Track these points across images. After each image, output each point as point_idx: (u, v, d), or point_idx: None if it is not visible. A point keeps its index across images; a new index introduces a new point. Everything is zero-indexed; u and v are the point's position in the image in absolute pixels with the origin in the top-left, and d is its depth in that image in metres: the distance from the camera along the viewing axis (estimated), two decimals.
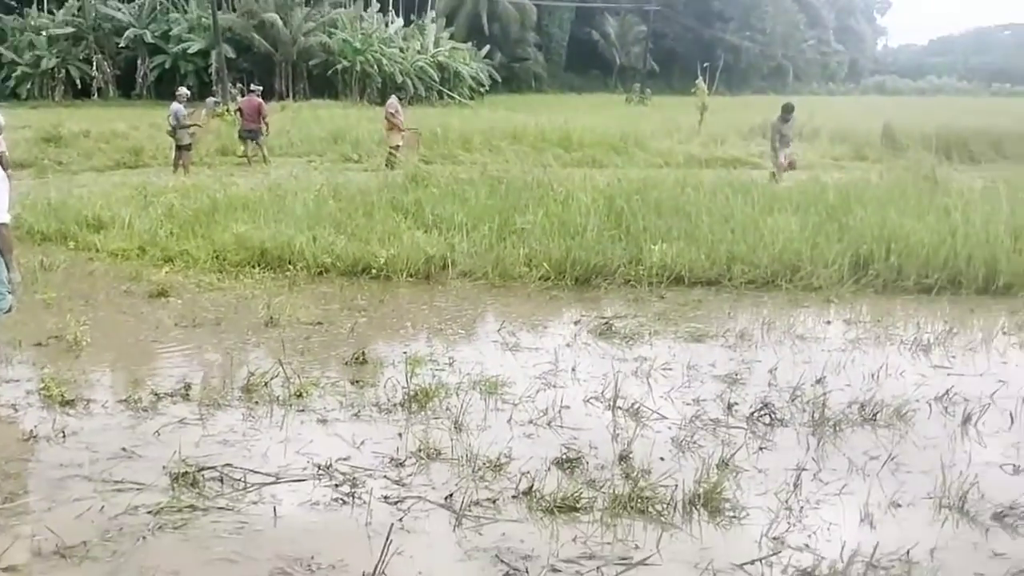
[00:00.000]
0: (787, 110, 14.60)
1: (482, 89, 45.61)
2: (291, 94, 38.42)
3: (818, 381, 5.43)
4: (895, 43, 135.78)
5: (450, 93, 41.31)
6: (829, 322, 6.98)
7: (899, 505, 3.92)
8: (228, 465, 4.15)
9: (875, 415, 4.89)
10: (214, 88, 32.62)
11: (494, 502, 3.86)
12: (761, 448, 4.52)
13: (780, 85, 68.54)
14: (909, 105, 39.59)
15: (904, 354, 6.16)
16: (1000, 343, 6.52)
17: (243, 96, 20.88)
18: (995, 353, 6.26)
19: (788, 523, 3.73)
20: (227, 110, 22.74)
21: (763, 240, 8.27)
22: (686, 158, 17.70)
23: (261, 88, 19.01)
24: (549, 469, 4.17)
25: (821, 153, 19.73)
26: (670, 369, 5.72)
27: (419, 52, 42.34)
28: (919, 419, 4.90)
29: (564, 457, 4.29)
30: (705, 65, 33.03)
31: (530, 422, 4.78)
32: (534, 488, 3.92)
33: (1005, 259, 7.93)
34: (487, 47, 50.25)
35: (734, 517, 3.79)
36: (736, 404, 5.07)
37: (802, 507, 3.87)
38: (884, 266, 7.94)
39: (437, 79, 41.72)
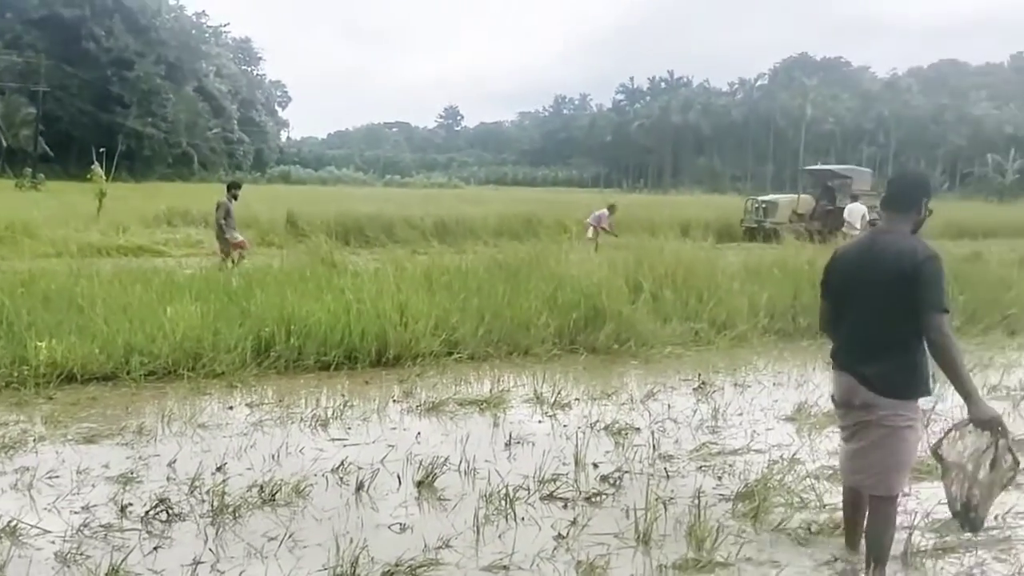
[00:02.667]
0: (237, 186, 14.75)
1: None
2: None
3: (219, 469, 5.33)
4: (297, 135, 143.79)
5: None
6: (232, 407, 6.96)
7: None
8: None
9: (274, 495, 4.93)
10: None
11: None
12: (157, 548, 4.27)
13: (187, 172, 68.55)
14: (312, 193, 42.08)
15: (304, 431, 6.34)
16: (391, 411, 7.03)
17: None
18: (387, 420, 6.73)
19: None
20: None
21: (163, 329, 8.00)
22: (83, 247, 16.65)
23: None
24: None
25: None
26: (57, 476, 5.19)
27: None
28: (317, 493, 5.06)
29: None
30: (102, 150, 31.67)
31: None
32: None
33: (393, 332, 8.63)
34: None
35: None
36: (131, 504, 4.76)
37: None
38: (285, 347, 8.17)
39: None
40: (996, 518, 4.78)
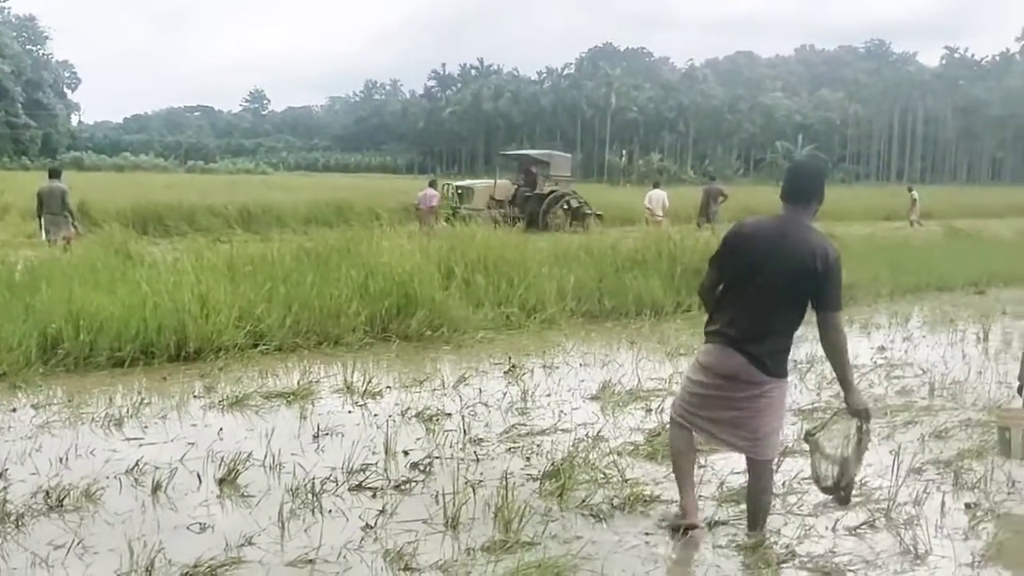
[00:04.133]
0: (56, 174, 14.47)
1: None
2: None
3: (0, 475, 4.96)
4: (90, 119, 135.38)
5: None
6: (15, 409, 6.46)
7: None
8: None
9: (62, 500, 4.62)
10: None
11: None
12: None
13: None
14: (107, 180, 39.76)
15: (96, 432, 5.98)
16: (192, 407, 6.73)
17: None
18: (187, 417, 6.44)
19: None
20: None
21: None
22: None
23: None
24: None
25: (13, 232, 18.74)
26: None
27: None
28: (109, 496, 4.78)
29: None
30: None
31: None
32: None
33: (193, 325, 8.26)
34: None
35: None
36: None
37: None
38: (75, 344, 7.67)
39: None
40: (784, 484, 5.09)
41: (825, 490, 4.39)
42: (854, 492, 4.96)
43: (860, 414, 4.15)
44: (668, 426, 4.69)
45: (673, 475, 4.60)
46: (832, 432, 4.28)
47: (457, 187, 26.50)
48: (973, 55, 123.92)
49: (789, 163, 77.05)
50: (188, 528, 4.43)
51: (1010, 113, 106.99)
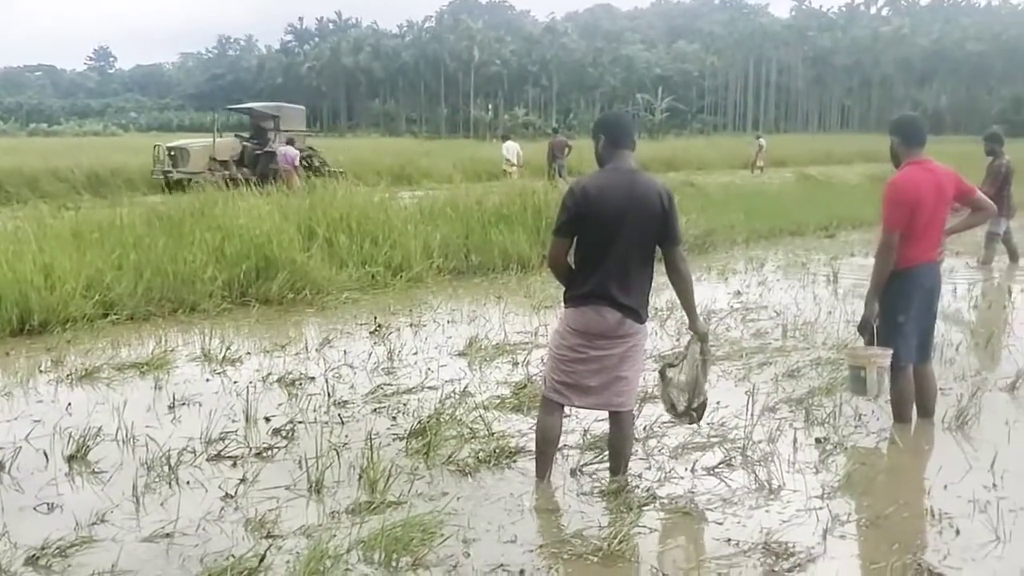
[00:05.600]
0: None
1: None
2: None
3: None
4: None
5: None
6: None
7: None
8: None
9: None
10: None
11: None
12: None
13: None
14: None
15: None
16: (38, 382, 6.40)
17: None
18: (32, 393, 6.12)
19: None
20: None
21: None
22: None
23: None
24: None
25: None
26: None
27: None
28: None
29: None
30: None
31: None
32: None
33: (37, 297, 7.82)
34: None
35: None
36: None
37: None
38: None
39: None
40: (645, 428, 5.20)
41: (679, 415, 4.60)
42: (714, 435, 5.16)
43: (704, 336, 4.47)
44: (538, 411, 4.66)
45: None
46: (683, 365, 4.49)
47: (169, 148, 23.35)
48: (821, 6, 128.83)
49: (651, 116, 77.54)
50: (35, 509, 4.21)
51: (855, 62, 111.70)
